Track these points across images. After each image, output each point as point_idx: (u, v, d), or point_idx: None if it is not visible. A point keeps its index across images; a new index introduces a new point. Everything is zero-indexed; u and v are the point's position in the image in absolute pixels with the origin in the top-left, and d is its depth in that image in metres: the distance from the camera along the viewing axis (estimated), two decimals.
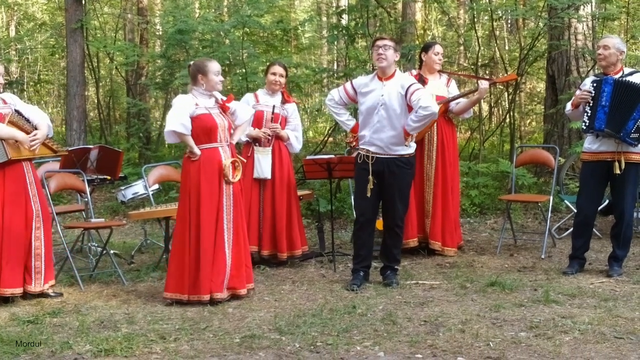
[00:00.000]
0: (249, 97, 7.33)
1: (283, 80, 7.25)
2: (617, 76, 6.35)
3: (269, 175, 7.07)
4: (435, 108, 6.15)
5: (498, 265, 7.05)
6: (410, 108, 6.13)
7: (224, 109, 5.97)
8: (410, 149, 6.25)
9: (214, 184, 5.81)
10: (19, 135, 5.79)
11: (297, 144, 7.38)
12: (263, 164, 7.04)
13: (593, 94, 6.33)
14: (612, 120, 6.25)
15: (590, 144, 6.51)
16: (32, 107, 6.20)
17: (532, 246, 7.91)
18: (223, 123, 5.90)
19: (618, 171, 6.31)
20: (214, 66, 5.94)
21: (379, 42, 6.22)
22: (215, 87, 5.93)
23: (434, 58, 7.41)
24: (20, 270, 5.86)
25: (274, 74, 7.18)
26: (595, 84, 6.36)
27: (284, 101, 7.25)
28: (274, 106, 7.15)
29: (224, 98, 6.05)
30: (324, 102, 11.01)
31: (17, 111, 5.92)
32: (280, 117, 7.17)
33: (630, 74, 6.39)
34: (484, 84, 7.24)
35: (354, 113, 7.82)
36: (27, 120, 5.93)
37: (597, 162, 6.45)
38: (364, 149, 6.23)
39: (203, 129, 5.82)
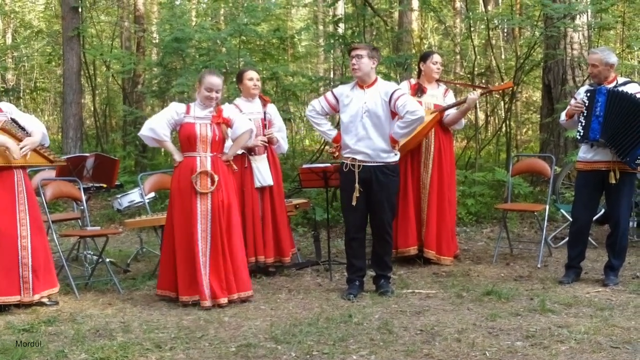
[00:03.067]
0: (229, 108, 7.30)
1: (260, 83, 7.24)
2: (610, 86, 6.37)
3: (271, 182, 7.05)
4: (422, 112, 6.18)
5: (494, 274, 7.04)
6: (393, 115, 6.15)
7: (217, 121, 6.04)
8: (396, 156, 6.27)
9: (186, 192, 5.99)
10: (9, 143, 5.76)
11: (285, 145, 7.41)
12: (263, 171, 7.02)
13: (587, 104, 6.35)
14: (607, 130, 6.26)
15: (585, 153, 6.52)
16: (29, 115, 6.21)
17: (528, 255, 7.91)
18: (205, 134, 6.01)
19: (613, 181, 6.32)
20: (208, 80, 6.04)
21: (353, 52, 6.24)
22: (203, 100, 6.05)
23: (432, 67, 7.41)
24: (14, 279, 5.82)
25: (251, 79, 7.10)
26: (589, 94, 6.38)
27: (264, 104, 7.24)
28: (264, 112, 7.15)
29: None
30: None
31: (12, 119, 5.92)
32: (267, 122, 7.18)
33: (624, 83, 6.42)
34: (472, 95, 7.22)
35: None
36: (23, 129, 5.93)
37: (592, 171, 6.45)
38: (348, 157, 6.22)
39: (183, 137, 6.07)
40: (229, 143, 6.29)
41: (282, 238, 7.14)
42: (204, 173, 5.95)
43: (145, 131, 6.09)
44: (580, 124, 6.39)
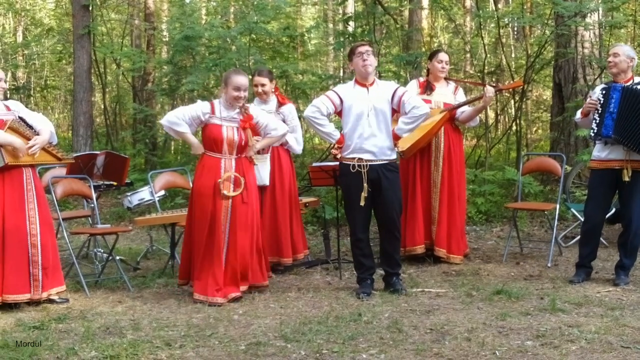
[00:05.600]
0: (258, 110, 7.34)
1: (267, 88, 7.11)
2: (627, 84, 6.35)
3: (267, 182, 7.04)
4: (427, 108, 6.23)
5: (504, 274, 7.03)
6: (393, 112, 6.17)
7: (244, 126, 6.03)
8: (395, 154, 6.32)
9: (209, 192, 5.96)
10: (17, 142, 5.77)
11: (296, 146, 7.31)
12: (261, 171, 7.04)
13: (602, 102, 6.33)
14: (620, 127, 6.24)
15: (599, 152, 6.49)
16: (36, 114, 6.22)
17: (539, 254, 7.89)
18: (232, 137, 5.98)
19: (627, 178, 6.29)
20: (236, 80, 6.00)
21: (362, 49, 6.20)
22: (231, 101, 6.01)
23: (437, 66, 7.42)
24: (24, 277, 5.85)
25: (256, 85, 7.11)
26: (604, 91, 6.37)
27: (279, 105, 7.24)
28: (278, 112, 7.14)
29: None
30: None
31: (20, 118, 5.94)
32: None
33: None
34: (489, 92, 7.20)
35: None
36: (30, 127, 5.94)
37: (606, 170, 6.43)
38: (354, 157, 6.18)
39: (209, 138, 6.03)
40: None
41: (282, 239, 7.13)
42: (229, 177, 5.96)
43: (165, 122, 6.08)
44: (594, 121, 6.37)
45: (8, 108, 5.99)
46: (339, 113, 6.35)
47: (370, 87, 6.21)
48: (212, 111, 6.02)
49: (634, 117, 6.21)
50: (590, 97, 6.66)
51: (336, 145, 6.45)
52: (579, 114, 6.70)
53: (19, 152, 5.78)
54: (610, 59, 6.47)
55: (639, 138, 6.19)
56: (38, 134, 5.94)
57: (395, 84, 6.53)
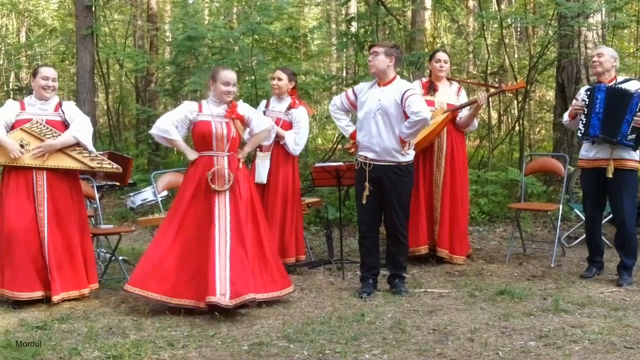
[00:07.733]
0: (262, 103, 7.52)
1: (282, 83, 7.22)
2: (610, 84, 6.42)
3: (264, 180, 7.07)
4: (427, 114, 6.07)
5: (507, 274, 7.02)
6: (406, 115, 6.13)
7: (231, 117, 5.97)
8: (409, 156, 6.22)
9: (201, 191, 5.81)
10: (7, 144, 5.79)
11: (292, 145, 7.19)
12: (261, 168, 7.08)
13: (587, 103, 6.41)
14: (606, 126, 6.34)
15: (586, 151, 6.61)
16: (80, 118, 6.21)
17: (542, 255, 7.89)
18: (222, 132, 5.87)
19: (610, 175, 6.34)
20: (224, 75, 5.95)
21: (370, 50, 6.28)
22: (220, 96, 5.95)
23: (435, 66, 7.46)
24: (32, 275, 5.83)
25: (273, 78, 7.32)
26: (589, 92, 6.48)
27: (290, 106, 7.26)
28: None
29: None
30: None
31: (64, 119, 6.01)
32: (282, 122, 7.17)
33: (624, 81, 6.53)
34: (481, 97, 7.17)
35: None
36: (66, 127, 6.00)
37: (593, 169, 6.53)
38: (361, 155, 6.24)
39: (198, 135, 5.92)
40: None
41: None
42: (220, 171, 5.80)
43: (155, 130, 5.99)
44: (581, 121, 6.49)
45: (57, 108, 6.07)
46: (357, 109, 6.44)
47: (385, 86, 6.20)
48: (200, 109, 5.97)
49: (618, 114, 6.29)
50: (576, 98, 6.76)
51: (350, 140, 6.61)
52: (566, 117, 6.85)
53: (10, 154, 5.80)
54: (595, 58, 6.63)
55: (620, 130, 6.24)
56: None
57: (409, 85, 6.41)
